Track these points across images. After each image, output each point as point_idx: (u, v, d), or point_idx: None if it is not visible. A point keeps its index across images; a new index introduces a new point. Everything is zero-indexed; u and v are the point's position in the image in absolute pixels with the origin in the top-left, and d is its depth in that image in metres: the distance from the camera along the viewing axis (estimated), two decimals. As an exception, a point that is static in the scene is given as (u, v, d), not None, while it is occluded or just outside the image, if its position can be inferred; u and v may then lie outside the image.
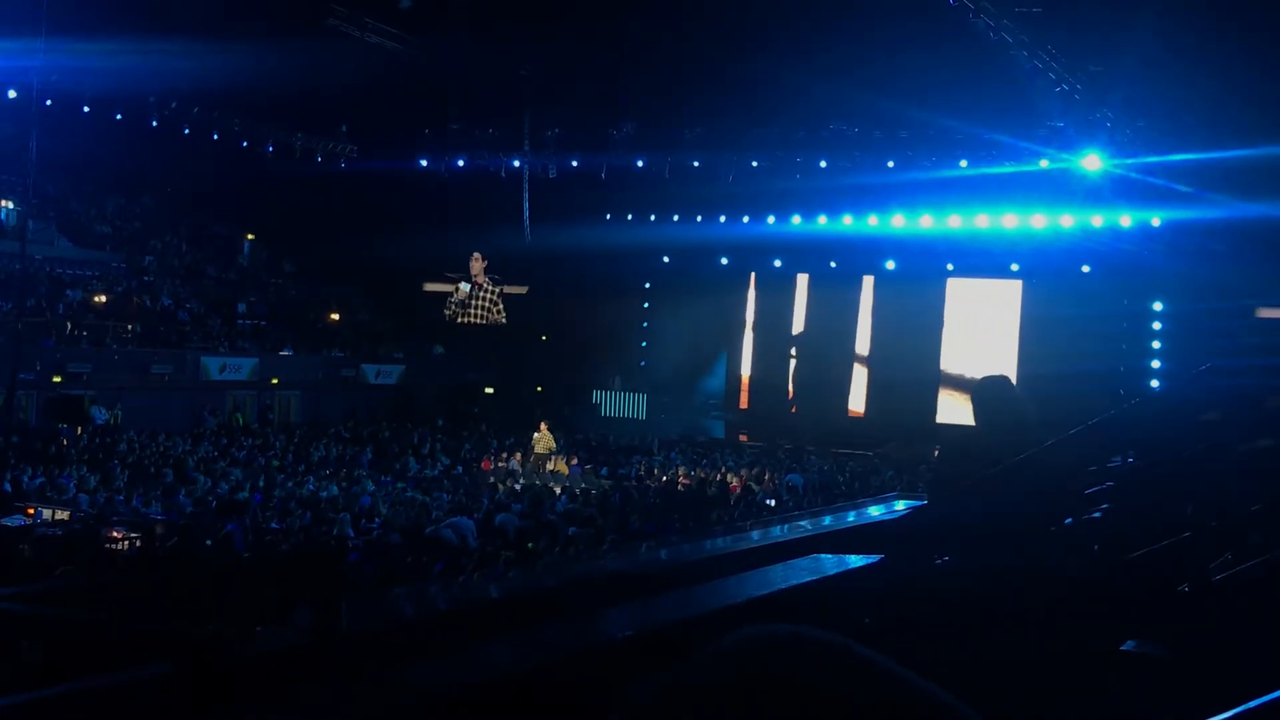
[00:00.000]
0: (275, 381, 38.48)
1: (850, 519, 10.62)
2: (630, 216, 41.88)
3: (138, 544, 18.21)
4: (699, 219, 40.76)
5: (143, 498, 22.95)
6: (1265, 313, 32.37)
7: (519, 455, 32.40)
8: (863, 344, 41.87)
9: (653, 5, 31.77)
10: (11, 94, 32.92)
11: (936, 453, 31.53)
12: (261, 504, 22.65)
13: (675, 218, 41.16)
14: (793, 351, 42.91)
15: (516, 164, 40.83)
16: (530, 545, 17.21)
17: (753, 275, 43.30)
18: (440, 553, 16.81)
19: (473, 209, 41.40)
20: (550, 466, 31.61)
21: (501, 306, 45.22)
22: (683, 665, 1.24)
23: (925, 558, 6.60)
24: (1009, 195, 34.82)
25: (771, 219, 39.68)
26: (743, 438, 39.98)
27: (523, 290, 45.08)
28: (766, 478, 29.66)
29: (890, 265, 40.01)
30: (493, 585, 8.76)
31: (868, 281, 41.69)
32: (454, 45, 34.70)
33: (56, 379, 32.02)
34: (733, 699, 1.18)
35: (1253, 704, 2.12)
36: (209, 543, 17.39)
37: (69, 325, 34.52)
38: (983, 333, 39.38)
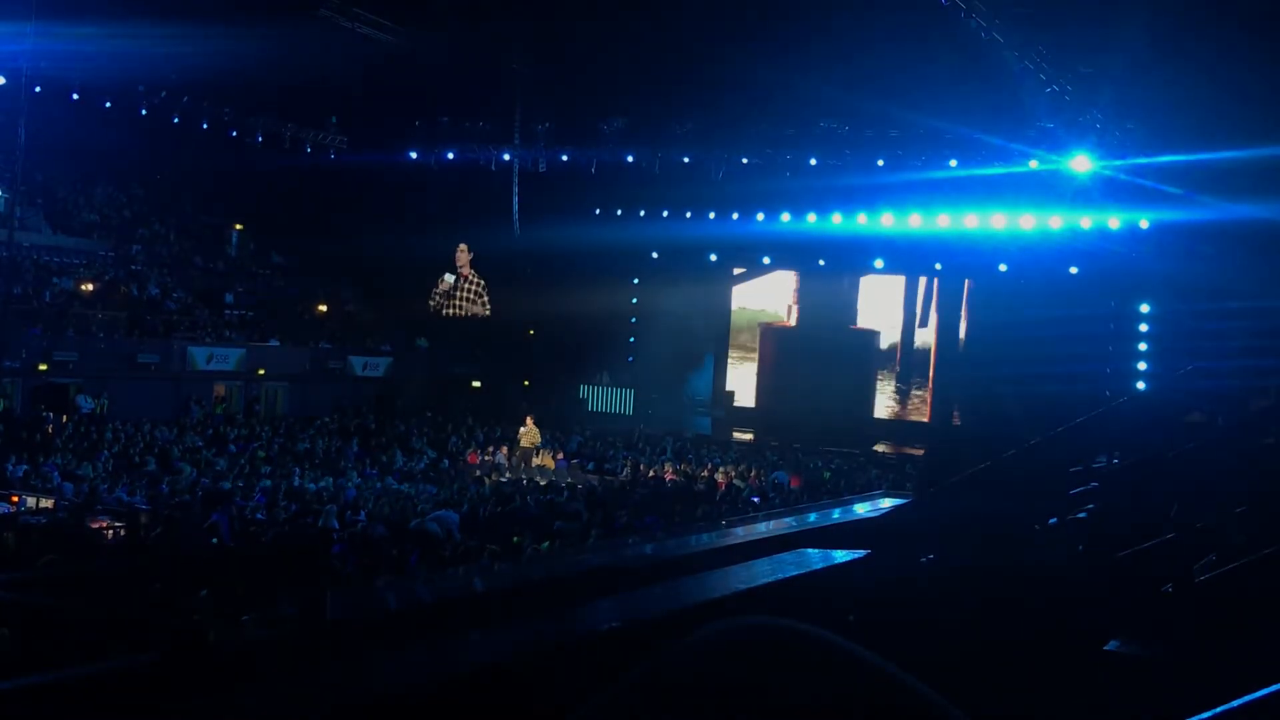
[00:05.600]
0: (262, 372, 38.38)
1: (836, 516, 10.62)
2: (620, 212, 41.80)
3: (122, 533, 18.20)
4: (688, 215, 40.71)
5: (127, 487, 22.89)
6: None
7: (505, 449, 32.40)
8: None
9: (644, 1, 31.76)
10: (0, 80, 32.78)
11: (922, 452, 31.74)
12: (245, 494, 22.65)
13: (665, 214, 41.11)
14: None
15: (506, 158, 40.80)
16: (515, 539, 17.22)
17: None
18: (424, 545, 16.83)
19: (462, 202, 41.37)
20: (536, 461, 31.62)
21: (486, 298, 45.22)
22: (657, 657, 1.23)
23: (911, 555, 6.61)
24: (998, 196, 34.84)
25: (761, 216, 39.68)
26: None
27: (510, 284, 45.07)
28: (753, 474, 29.69)
29: (879, 264, 40.08)
30: (477, 578, 8.76)
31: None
32: (445, 37, 34.67)
33: (42, 367, 31.92)
34: (706, 689, 1.18)
35: (1234, 704, 2.12)
36: (194, 533, 17.38)
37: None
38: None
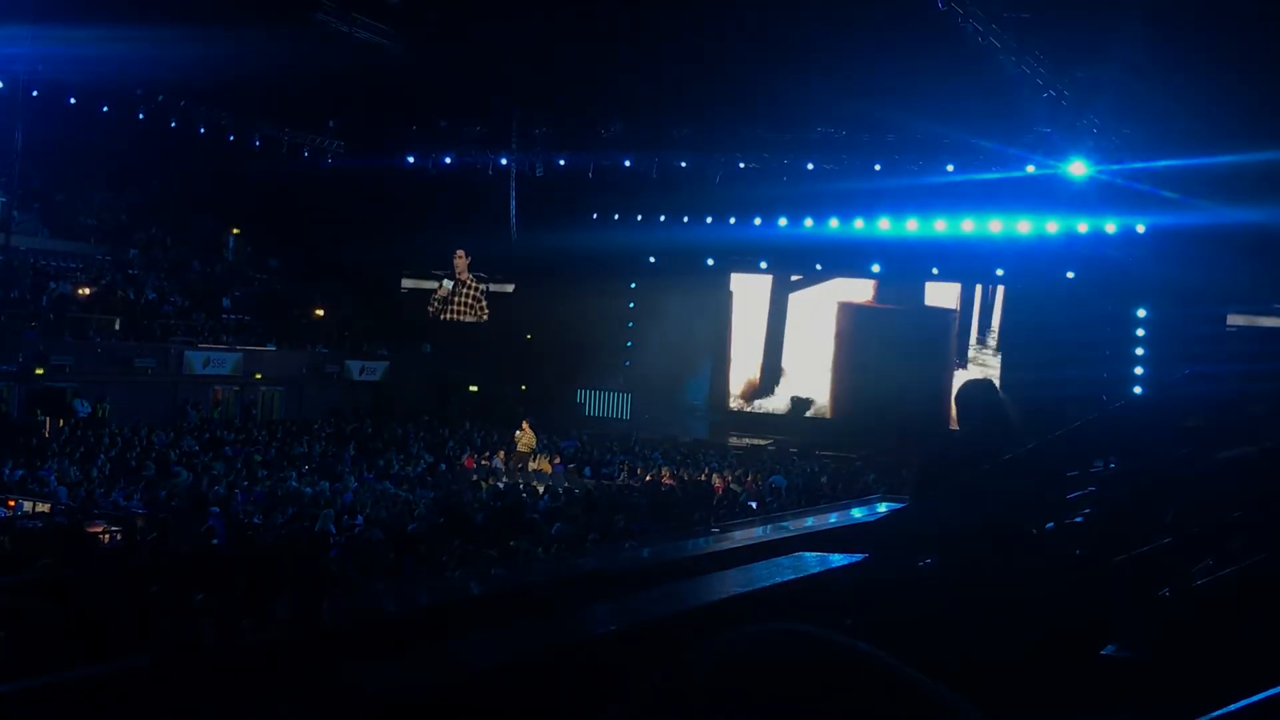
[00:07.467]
0: (259, 377, 38.37)
1: (833, 520, 10.62)
2: (617, 216, 41.89)
3: (118, 537, 18.18)
4: (685, 220, 40.77)
5: (124, 491, 22.88)
6: (1236, 320, 32.50)
7: (501, 453, 32.39)
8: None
9: (643, 5, 31.75)
10: (-2, 85, 32.79)
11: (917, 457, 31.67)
12: (244, 499, 22.64)
13: (662, 218, 41.17)
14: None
15: (504, 162, 40.80)
16: (512, 544, 17.20)
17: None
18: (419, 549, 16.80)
19: (459, 207, 41.41)
20: (533, 465, 31.61)
21: (485, 303, 45.24)
22: (682, 661, 1.22)
23: (908, 559, 6.60)
24: (995, 201, 34.89)
25: (758, 221, 39.72)
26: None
27: (509, 288, 45.23)
28: (749, 479, 29.68)
29: (876, 268, 40.11)
30: (474, 582, 8.75)
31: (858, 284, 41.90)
32: (442, 42, 34.63)
33: (39, 371, 31.86)
34: (733, 696, 1.17)
35: (1232, 708, 2.12)
36: (190, 537, 17.35)
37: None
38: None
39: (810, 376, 42.21)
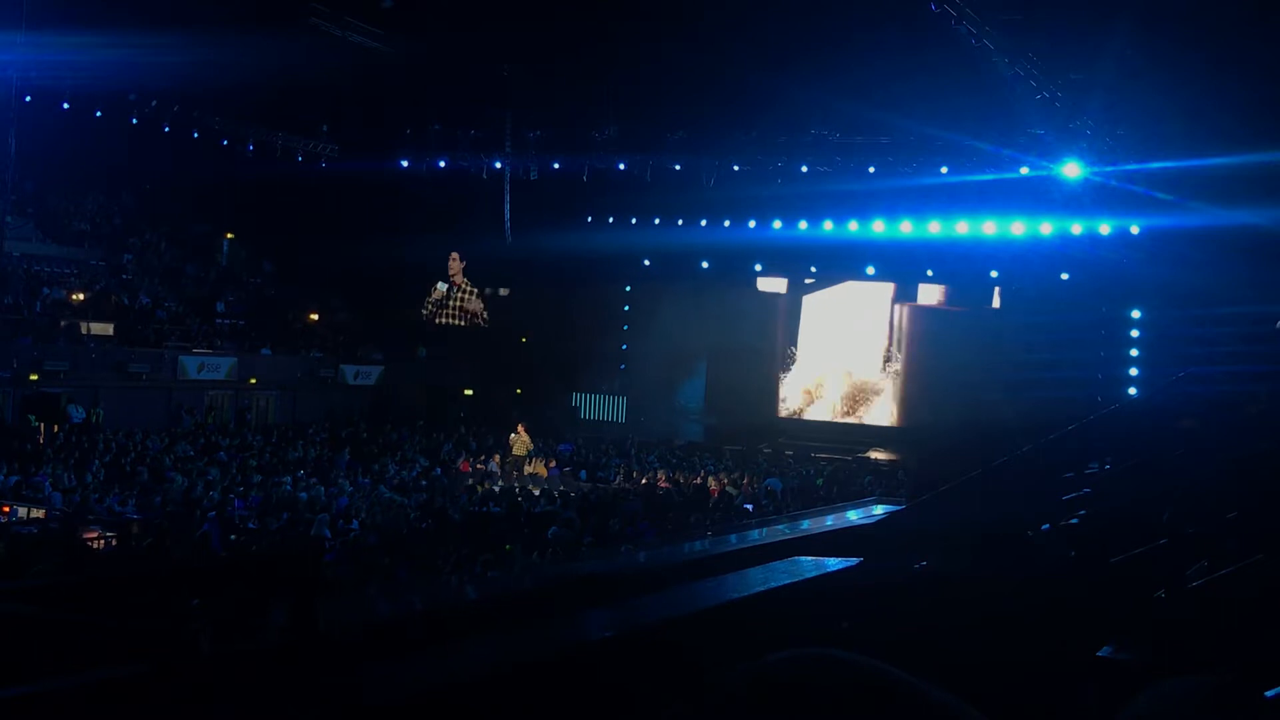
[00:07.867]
0: (253, 381, 38.33)
1: (829, 523, 10.61)
2: (611, 219, 41.86)
3: (113, 543, 18.16)
4: (680, 222, 40.73)
5: (119, 497, 22.84)
6: None
7: (497, 457, 32.36)
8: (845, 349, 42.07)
9: (637, 8, 31.75)
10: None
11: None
12: (239, 505, 22.61)
13: (656, 221, 41.13)
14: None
15: (498, 165, 40.74)
16: (508, 547, 17.19)
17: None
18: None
19: (453, 210, 41.35)
20: (529, 469, 31.59)
21: (482, 306, 45.22)
22: (715, 687, 1.21)
23: (904, 562, 6.60)
24: (989, 202, 34.90)
25: (753, 223, 39.69)
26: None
27: (503, 292, 45.22)
28: (745, 481, 29.67)
29: (871, 271, 40.10)
30: (469, 586, 8.74)
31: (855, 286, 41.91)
32: (436, 45, 34.60)
33: (33, 376, 31.82)
34: (760, 716, 1.16)
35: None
36: (185, 542, 17.34)
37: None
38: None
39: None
